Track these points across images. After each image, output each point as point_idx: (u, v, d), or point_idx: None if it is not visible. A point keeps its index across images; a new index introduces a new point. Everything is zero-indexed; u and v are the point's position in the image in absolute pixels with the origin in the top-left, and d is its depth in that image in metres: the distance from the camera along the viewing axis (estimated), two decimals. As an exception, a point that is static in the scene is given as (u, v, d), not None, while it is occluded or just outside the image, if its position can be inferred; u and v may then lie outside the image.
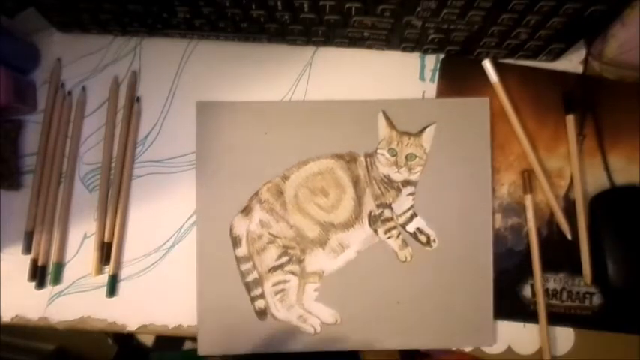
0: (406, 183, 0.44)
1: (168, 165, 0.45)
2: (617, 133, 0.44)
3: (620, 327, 0.43)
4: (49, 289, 0.45)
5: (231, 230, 0.44)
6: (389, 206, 0.44)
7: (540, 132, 0.44)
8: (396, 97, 0.45)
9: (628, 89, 0.44)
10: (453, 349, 0.44)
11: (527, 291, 0.43)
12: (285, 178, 0.44)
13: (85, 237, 0.45)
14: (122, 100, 0.46)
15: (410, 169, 0.44)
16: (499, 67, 0.44)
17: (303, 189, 0.44)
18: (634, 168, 0.44)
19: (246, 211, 0.44)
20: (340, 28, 0.41)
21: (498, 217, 0.44)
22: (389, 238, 0.44)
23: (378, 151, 0.44)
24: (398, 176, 0.44)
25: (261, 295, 0.43)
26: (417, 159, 0.44)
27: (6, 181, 0.45)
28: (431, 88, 0.45)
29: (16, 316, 0.45)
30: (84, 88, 0.46)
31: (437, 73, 0.45)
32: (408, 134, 0.44)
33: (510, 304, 0.43)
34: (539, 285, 0.42)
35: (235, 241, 0.44)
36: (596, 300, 0.43)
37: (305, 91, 0.46)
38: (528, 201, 0.43)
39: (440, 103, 0.45)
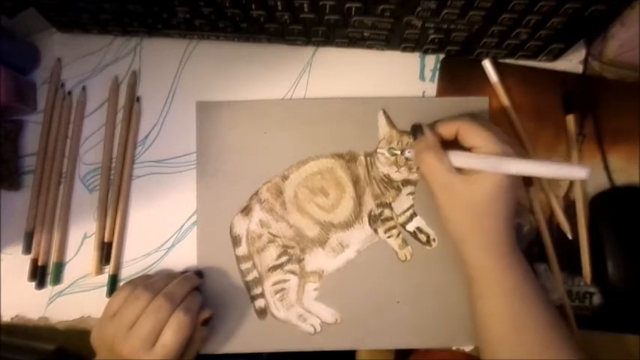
0: (406, 182, 0.44)
1: (168, 165, 0.45)
2: (617, 133, 0.44)
3: (620, 327, 0.43)
4: (49, 289, 0.45)
5: (231, 230, 0.44)
6: (389, 205, 0.44)
7: (540, 132, 0.44)
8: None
9: (628, 89, 0.44)
10: (453, 348, 0.44)
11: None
12: (284, 178, 0.44)
13: (85, 237, 0.45)
14: (122, 100, 0.46)
15: (410, 169, 0.44)
16: (499, 67, 0.44)
17: (302, 188, 0.44)
18: (634, 168, 0.44)
19: (246, 210, 0.44)
20: (340, 28, 0.41)
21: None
22: (389, 237, 0.44)
23: (378, 150, 0.44)
24: (398, 175, 0.44)
25: (261, 295, 0.43)
26: (417, 159, 0.43)
27: (6, 181, 0.45)
28: (431, 88, 0.45)
29: (16, 316, 0.45)
30: (84, 88, 0.46)
31: (437, 73, 0.45)
32: (408, 133, 0.44)
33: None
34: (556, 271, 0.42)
35: (235, 241, 0.44)
36: (596, 300, 0.43)
37: (305, 92, 0.46)
38: (531, 193, 0.43)
39: (440, 102, 0.45)
